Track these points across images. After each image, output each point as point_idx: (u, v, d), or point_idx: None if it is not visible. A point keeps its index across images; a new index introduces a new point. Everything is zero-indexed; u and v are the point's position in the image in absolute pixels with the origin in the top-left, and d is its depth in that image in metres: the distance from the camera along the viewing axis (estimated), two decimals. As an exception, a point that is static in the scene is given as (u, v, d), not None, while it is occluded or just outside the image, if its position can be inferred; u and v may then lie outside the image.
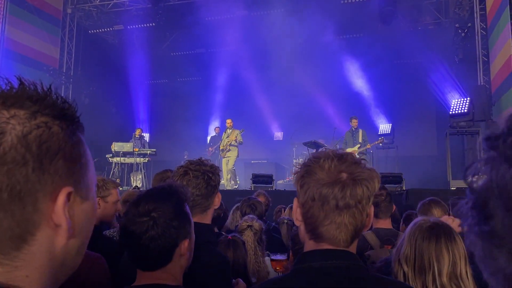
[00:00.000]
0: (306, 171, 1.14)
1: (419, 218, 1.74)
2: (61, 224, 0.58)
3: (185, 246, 1.39)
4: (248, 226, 2.90)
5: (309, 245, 1.15)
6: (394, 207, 3.31)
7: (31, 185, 0.55)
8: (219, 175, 2.07)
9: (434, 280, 1.53)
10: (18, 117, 0.56)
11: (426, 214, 3.05)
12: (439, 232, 1.62)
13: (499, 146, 0.43)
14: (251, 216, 3.10)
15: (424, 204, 3.28)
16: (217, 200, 2.04)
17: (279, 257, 2.57)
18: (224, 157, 11.24)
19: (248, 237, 2.84)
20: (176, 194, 1.43)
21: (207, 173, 1.97)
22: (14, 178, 0.53)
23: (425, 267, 1.56)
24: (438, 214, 3.08)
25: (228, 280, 1.88)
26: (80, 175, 0.62)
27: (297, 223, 1.18)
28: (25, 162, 0.54)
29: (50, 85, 0.61)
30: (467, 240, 0.46)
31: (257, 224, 2.93)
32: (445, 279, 1.52)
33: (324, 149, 1.21)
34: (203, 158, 2.08)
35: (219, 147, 11.43)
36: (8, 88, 0.58)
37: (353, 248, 1.14)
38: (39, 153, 0.56)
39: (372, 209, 1.16)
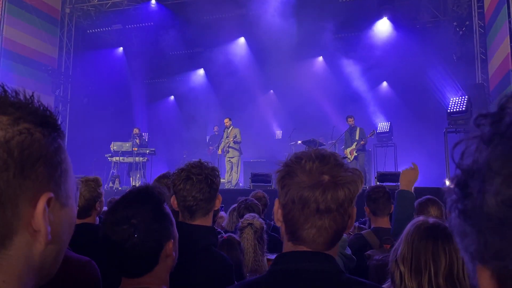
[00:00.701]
0: (287, 172, 1.11)
1: (417, 219, 1.75)
2: (40, 229, 0.58)
3: (170, 247, 1.36)
4: (249, 224, 2.90)
5: (287, 246, 1.14)
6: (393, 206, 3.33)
7: (12, 190, 0.55)
8: (219, 177, 2.09)
9: (430, 281, 1.55)
10: (0, 123, 0.56)
11: (423, 213, 3.07)
12: (437, 233, 1.63)
13: (483, 125, 0.44)
14: (252, 214, 3.10)
15: (421, 203, 3.30)
16: (218, 202, 2.06)
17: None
18: (226, 157, 11.25)
19: (248, 235, 2.84)
20: (153, 196, 1.40)
21: (210, 177, 1.98)
22: None
23: (422, 268, 1.57)
24: (435, 213, 3.10)
25: (232, 283, 1.89)
26: (61, 181, 0.63)
27: (278, 223, 1.16)
28: (7, 167, 0.55)
29: (32, 93, 0.62)
30: (450, 216, 0.47)
31: (258, 222, 2.93)
32: (441, 281, 1.54)
33: (306, 149, 1.18)
34: (202, 160, 2.10)
35: (219, 147, 11.44)
36: None
37: (333, 251, 1.12)
38: (21, 159, 0.56)
39: (355, 210, 1.13)
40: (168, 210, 1.42)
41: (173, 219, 1.43)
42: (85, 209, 2.83)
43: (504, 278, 0.42)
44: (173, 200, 1.97)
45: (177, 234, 1.45)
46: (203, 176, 1.96)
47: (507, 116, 0.42)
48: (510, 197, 0.39)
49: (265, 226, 3.01)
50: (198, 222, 1.95)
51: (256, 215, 3.10)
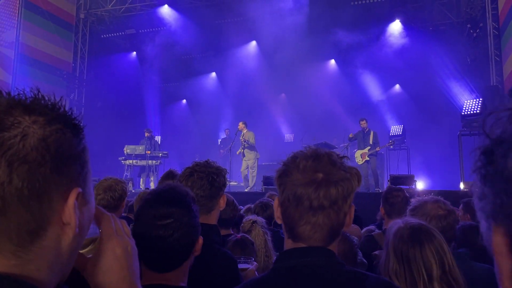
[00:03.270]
0: (284, 171, 1.15)
1: (395, 226, 1.70)
2: (70, 222, 0.63)
3: (200, 243, 1.39)
4: (253, 222, 2.89)
5: (288, 244, 1.16)
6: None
7: (48, 184, 0.60)
8: (225, 177, 2.09)
9: (425, 287, 1.53)
10: (38, 122, 0.61)
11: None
12: (420, 236, 1.61)
13: None
14: (251, 216, 3.12)
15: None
16: (222, 202, 2.06)
17: None
18: (243, 160, 11.21)
19: (258, 232, 2.82)
20: (186, 194, 1.43)
21: (212, 175, 2.00)
22: (34, 177, 0.58)
23: (415, 277, 1.55)
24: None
25: (237, 279, 1.89)
26: (87, 179, 0.68)
27: (278, 221, 1.19)
28: (44, 163, 0.59)
29: (61, 97, 0.67)
30: (474, 181, 0.52)
31: (259, 220, 2.93)
32: (436, 285, 1.53)
33: (305, 148, 1.20)
34: (210, 160, 2.11)
35: (230, 149, 11.45)
36: (26, 97, 0.64)
37: (333, 247, 1.14)
38: (56, 155, 0.61)
39: (353, 208, 1.14)
40: (196, 207, 1.45)
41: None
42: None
43: None
44: None
45: None
46: (205, 174, 1.99)
47: None
48: None
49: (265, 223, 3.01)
50: (200, 220, 1.95)
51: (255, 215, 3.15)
